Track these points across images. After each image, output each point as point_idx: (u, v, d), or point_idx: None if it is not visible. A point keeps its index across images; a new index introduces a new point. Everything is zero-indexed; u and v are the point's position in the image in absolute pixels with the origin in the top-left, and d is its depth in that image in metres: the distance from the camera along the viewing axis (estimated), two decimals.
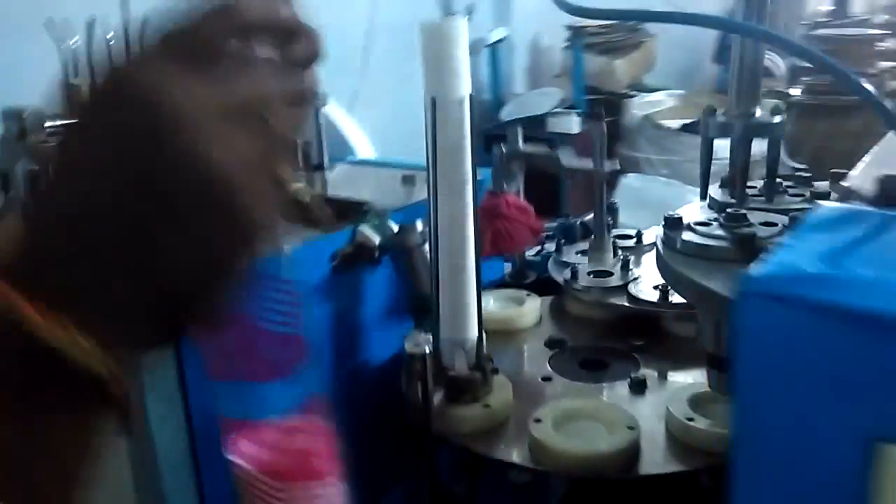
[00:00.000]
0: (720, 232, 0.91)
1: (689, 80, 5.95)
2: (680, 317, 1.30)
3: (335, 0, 3.63)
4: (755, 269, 0.61)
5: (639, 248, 1.61)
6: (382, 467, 1.34)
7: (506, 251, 1.51)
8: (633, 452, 0.97)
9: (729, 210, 0.92)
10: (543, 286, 1.59)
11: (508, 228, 1.43)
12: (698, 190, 4.09)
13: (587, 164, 1.49)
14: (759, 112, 0.96)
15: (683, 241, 0.92)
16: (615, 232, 1.72)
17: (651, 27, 4.62)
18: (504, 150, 1.52)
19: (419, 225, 1.25)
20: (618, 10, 0.98)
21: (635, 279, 1.39)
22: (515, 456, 1.01)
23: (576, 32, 4.31)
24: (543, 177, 1.72)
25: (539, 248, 1.86)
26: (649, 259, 1.56)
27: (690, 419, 0.99)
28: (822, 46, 4.70)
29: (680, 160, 3.74)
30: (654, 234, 1.67)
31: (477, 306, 1.09)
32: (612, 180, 1.69)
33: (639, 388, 1.15)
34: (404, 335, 1.36)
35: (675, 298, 1.28)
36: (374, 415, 1.37)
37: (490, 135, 4.34)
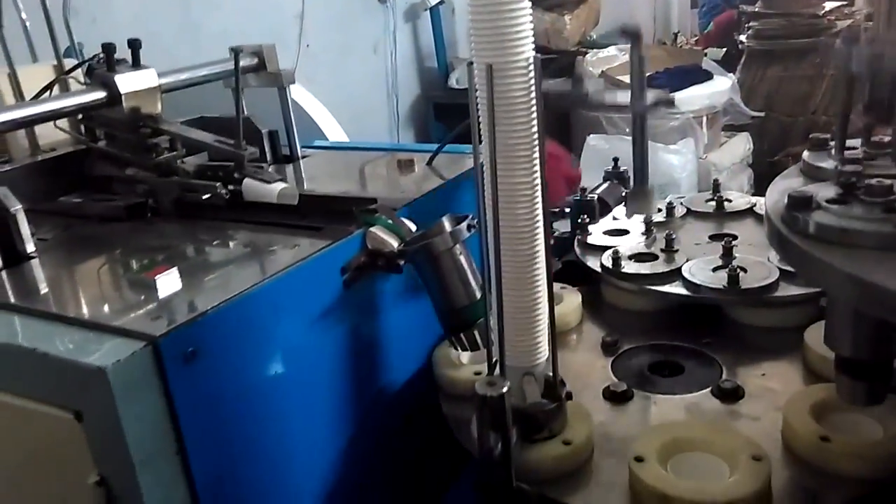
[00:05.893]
0: (866, 211, 0.72)
1: None
2: (750, 303, 1.12)
3: None
4: None
5: (671, 222, 1.43)
6: (416, 485, 1.20)
7: None
8: (766, 492, 0.78)
9: (870, 182, 0.73)
10: (568, 273, 1.40)
11: None
12: (670, 146, 3.86)
13: (622, 97, 1.26)
14: None
15: (820, 225, 0.73)
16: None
17: None
18: None
19: (446, 224, 1.03)
20: None
21: (686, 261, 1.20)
22: None
23: None
24: None
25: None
26: (687, 233, 1.37)
27: (825, 438, 0.82)
28: None
29: None
30: (682, 202, 1.48)
31: (550, 317, 0.88)
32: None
33: (732, 396, 0.97)
34: (433, 347, 1.17)
35: (746, 283, 1.11)
36: (403, 437, 1.17)
37: (439, 103, 4.12)
